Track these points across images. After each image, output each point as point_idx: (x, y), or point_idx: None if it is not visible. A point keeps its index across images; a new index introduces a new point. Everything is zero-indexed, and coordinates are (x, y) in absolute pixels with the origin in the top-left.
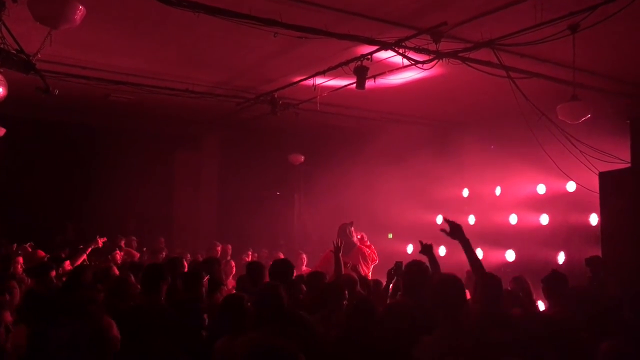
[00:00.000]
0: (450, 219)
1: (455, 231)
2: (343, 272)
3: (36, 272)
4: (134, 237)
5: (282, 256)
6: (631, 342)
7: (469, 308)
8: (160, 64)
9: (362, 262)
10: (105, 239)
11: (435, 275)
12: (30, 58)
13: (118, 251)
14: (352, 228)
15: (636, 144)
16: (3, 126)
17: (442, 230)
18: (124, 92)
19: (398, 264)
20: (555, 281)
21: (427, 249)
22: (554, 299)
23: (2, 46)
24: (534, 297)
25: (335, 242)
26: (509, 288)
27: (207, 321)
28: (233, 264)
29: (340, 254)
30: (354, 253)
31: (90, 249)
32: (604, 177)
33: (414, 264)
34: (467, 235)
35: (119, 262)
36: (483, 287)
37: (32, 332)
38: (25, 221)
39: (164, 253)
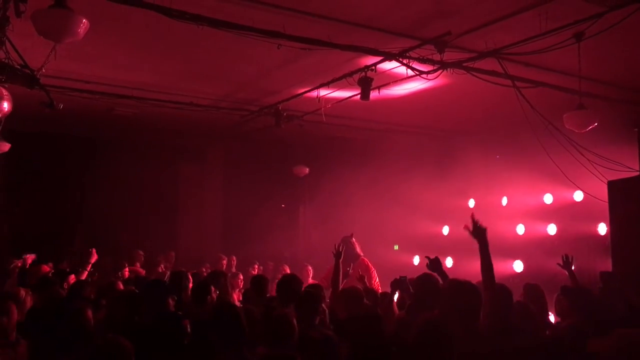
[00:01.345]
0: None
1: (478, 232)
2: (349, 283)
3: (39, 287)
4: (140, 251)
5: (287, 269)
6: None
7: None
8: (164, 77)
9: (370, 273)
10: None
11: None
12: (35, 73)
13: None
14: (354, 239)
15: None
16: (8, 141)
17: (466, 227)
18: (128, 105)
19: (402, 279)
20: (578, 296)
21: (435, 265)
22: (570, 313)
23: (6, 61)
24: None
25: (336, 246)
26: (520, 298)
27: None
28: (241, 277)
29: (341, 261)
30: (358, 264)
31: (90, 263)
32: (612, 185)
33: (424, 277)
34: (474, 246)
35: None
36: (492, 298)
37: (32, 347)
38: (30, 235)
39: (161, 266)
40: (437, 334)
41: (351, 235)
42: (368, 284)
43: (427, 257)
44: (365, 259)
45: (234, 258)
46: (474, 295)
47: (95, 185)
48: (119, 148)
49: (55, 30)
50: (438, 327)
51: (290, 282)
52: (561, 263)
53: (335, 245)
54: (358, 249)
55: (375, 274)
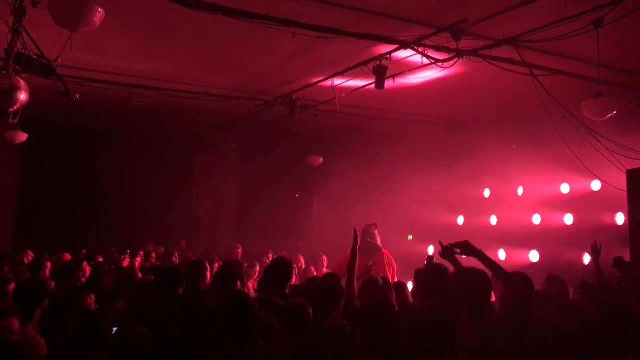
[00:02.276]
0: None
1: (465, 249)
2: (365, 275)
3: (60, 275)
4: (152, 244)
5: (302, 259)
6: None
7: (495, 310)
8: (179, 68)
9: (386, 266)
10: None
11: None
12: (51, 63)
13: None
14: (376, 230)
15: None
16: (25, 131)
17: (453, 249)
18: (143, 96)
19: (429, 259)
20: (605, 292)
21: (448, 252)
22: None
23: (23, 51)
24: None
25: (354, 232)
26: (541, 289)
27: None
28: (258, 268)
29: (360, 252)
30: (379, 257)
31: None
32: (632, 174)
33: (432, 267)
34: (489, 236)
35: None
36: (511, 286)
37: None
38: (46, 225)
39: (176, 256)
40: (434, 323)
41: (375, 225)
42: (391, 278)
43: (440, 243)
44: (387, 252)
45: (240, 247)
46: (482, 283)
47: (110, 175)
48: (134, 139)
49: (71, 20)
50: (434, 316)
51: (279, 267)
52: (590, 252)
53: (354, 231)
54: (379, 241)
55: (396, 267)
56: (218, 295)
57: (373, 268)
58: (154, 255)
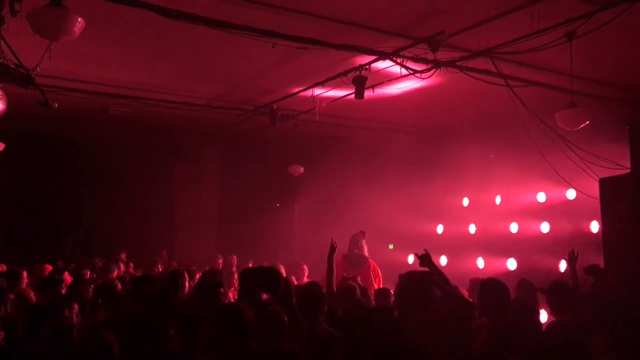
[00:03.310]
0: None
1: (423, 261)
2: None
3: (42, 287)
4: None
5: (282, 268)
6: None
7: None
8: (159, 77)
9: (372, 278)
10: None
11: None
12: (30, 72)
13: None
14: (364, 240)
15: (636, 149)
16: (2, 141)
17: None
18: (123, 105)
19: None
20: (560, 291)
21: (425, 260)
22: (561, 309)
23: (1, 60)
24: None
25: (332, 241)
26: (514, 295)
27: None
28: (236, 276)
29: (346, 265)
30: (365, 268)
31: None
32: (604, 183)
33: (412, 276)
34: (468, 244)
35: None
36: (487, 292)
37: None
38: (25, 234)
39: (159, 266)
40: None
41: (362, 234)
42: (377, 286)
43: (416, 254)
44: (373, 262)
45: (234, 257)
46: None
47: (90, 185)
48: (114, 148)
49: (51, 29)
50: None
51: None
52: (566, 259)
53: (331, 239)
54: (366, 251)
55: (381, 278)
56: (202, 304)
57: (357, 277)
58: (131, 265)
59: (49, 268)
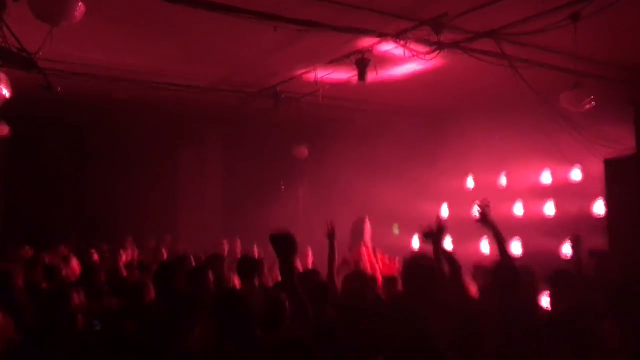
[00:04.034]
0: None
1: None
2: (346, 269)
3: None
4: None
5: None
6: None
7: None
8: (162, 61)
9: (367, 263)
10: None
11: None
12: (32, 56)
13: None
14: (365, 224)
15: None
16: (7, 125)
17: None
18: (126, 89)
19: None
20: (563, 280)
21: (430, 236)
22: (561, 297)
23: (3, 45)
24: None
25: (328, 225)
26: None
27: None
28: None
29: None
30: (356, 250)
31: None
32: (609, 164)
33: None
34: (472, 225)
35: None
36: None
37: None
38: (29, 220)
39: (163, 251)
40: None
41: (361, 219)
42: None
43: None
44: (362, 248)
45: (238, 241)
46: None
47: (94, 169)
48: (117, 132)
49: (51, 14)
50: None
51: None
52: (570, 242)
53: (328, 224)
54: (367, 236)
55: (371, 260)
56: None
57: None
58: (136, 251)
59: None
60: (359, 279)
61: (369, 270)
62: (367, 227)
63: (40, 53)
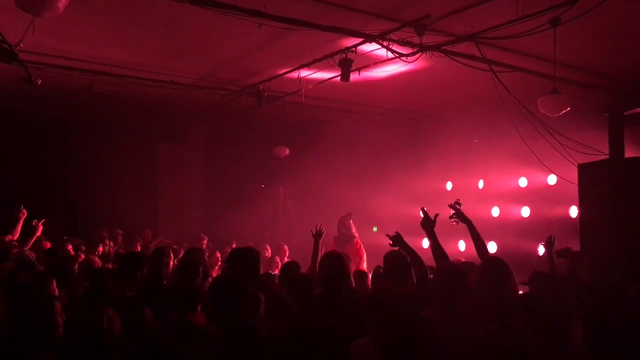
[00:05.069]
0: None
1: (395, 240)
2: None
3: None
4: (119, 230)
5: (268, 248)
6: None
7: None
8: (145, 56)
9: (360, 256)
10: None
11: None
12: (13, 48)
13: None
14: (351, 220)
15: (614, 136)
16: None
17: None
18: (107, 83)
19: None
20: (540, 282)
21: (396, 240)
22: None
23: None
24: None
25: (317, 226)
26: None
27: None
28: (219, 255)
29: (337, 246)
30: (351, 245)
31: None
32: (583, 169)
33: (393, 253)
34: (450, 227)
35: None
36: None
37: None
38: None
39: (139, 245)
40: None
41: (348, 215)
42: (355, 267)
43: (388, 236)
44: (359, 242)
45: (205, 237)
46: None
47: (74, 164)
48: (98, 127)
49: (34, 4)
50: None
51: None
52: (544, 244)
53: (316, 225)
54: (354, 230)
55: (364, 257)
56: (182, 282)
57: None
58: (111, 243)
59: (47, 245)
60: (337, 257)
61: (362, 264)
62: (352, 223)
63: (21, 45)
